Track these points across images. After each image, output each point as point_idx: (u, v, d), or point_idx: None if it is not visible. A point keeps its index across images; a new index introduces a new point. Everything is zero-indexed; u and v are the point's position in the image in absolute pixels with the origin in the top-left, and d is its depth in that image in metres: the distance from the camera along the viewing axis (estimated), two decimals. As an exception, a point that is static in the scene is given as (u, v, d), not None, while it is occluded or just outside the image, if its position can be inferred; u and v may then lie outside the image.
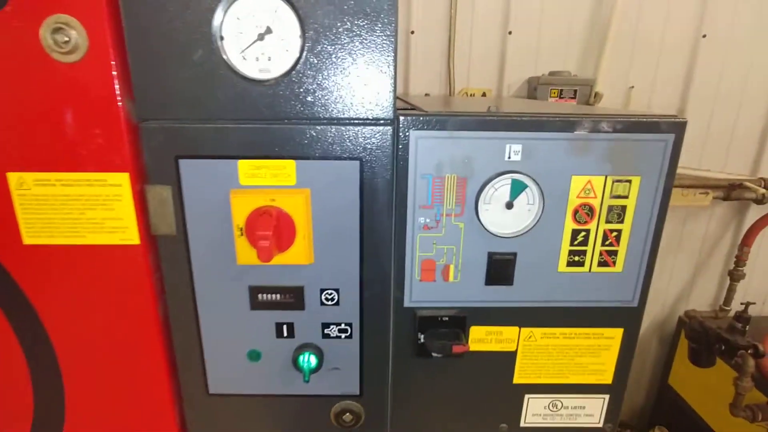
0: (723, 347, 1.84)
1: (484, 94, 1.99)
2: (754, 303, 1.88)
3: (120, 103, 0.54)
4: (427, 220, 0.59)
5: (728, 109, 2.05)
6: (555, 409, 0.69)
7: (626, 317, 0.64)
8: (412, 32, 1.85)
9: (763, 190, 1.96)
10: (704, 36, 1.94)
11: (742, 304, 1.86)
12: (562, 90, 1.90)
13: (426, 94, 1.77)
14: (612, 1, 1.85)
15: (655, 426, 2.25)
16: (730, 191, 2.02)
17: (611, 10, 1.85)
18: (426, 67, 1.89)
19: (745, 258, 1.94)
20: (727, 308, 2.00)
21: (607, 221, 0.60)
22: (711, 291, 2.29)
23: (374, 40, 0.52)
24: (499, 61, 1.98)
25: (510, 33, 1.94)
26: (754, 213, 2.05)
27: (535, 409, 0.69)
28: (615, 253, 0.61)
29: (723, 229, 2.22)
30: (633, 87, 2.03)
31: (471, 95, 1.97)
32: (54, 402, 0.66)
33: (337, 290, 0.62)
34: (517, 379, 0.67)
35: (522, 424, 0.70)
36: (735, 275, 1.97)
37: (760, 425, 1.70)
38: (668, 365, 2.33)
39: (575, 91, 1.90)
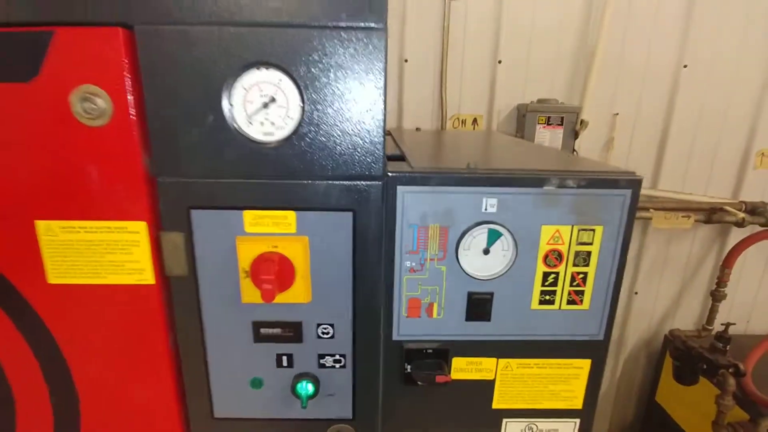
0: (705, 366, 1.91)
1: (475, 120, 2.06)
2: (734, 324, 1.95)
3: (139, 161, 0.61)
4: (413, 264, 0.66)
5: (710, 135, 2.13)
6: None
7: (593, 349, 0.71)
8: (406, 60, 1.94)
9: (742, 214, 2.03)
10: (685, 66, 2.02)
11: (722, 324, 1.93)
12: (549, 117, 1.97)
13: (417, 128, 1.84)
14: (597, 33, 1.94)
15: None
16: (711, 214, 2.09)
17: (596, 40, 1.93)
18: (419, 94, 1.97)
19: (726, 279, 2.01)
20: (709, 328, 2.06)
21: (574, 265, 0.67)
22: (696, 310, 2.35)
23: (366, 109, 0.60)
24: (489, 88, 2.06)
25: (500, 62, 2.02)
26: (736, 235, 2.12)
27: None
28: (582, 292, 0.68)
29: (706, 250, 2.29)
30: (618, 114, 2.10)
31: (462, 121, 2.04)
32: (70, 424, 0.73)
33: (332, 325, 0.69)
34: (496, 405, 0.74)
35: None
36: (717, 296, 2.04)
37: None
38: (655, 382, 2.38)
39: (562, 118, 1.97)
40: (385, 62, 0.58)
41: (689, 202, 2.14)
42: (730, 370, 1.81)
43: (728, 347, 1.90)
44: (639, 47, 2.03)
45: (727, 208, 2.08)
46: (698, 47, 2.01)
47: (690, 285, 2.36)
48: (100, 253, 0.64)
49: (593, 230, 0.65)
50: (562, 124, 1.99)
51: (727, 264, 2.00)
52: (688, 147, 2.16)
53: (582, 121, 2.00)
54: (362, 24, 0.56)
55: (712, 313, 2.06)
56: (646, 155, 2.20)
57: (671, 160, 2.18)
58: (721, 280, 2.01)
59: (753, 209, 2.08)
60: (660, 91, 2.11)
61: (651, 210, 2.10)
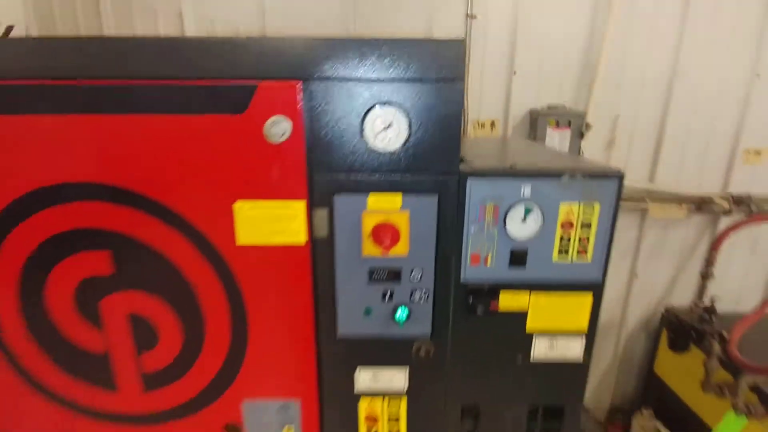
0: (695, 334, 2.29)
1: (492, 123, 2.45)
2: (720, 298, 2.32)
3: (303, 163, 1.01)
4: (475, 229, 1.07)
5: (701, 135, 2.48)
6: (552, 347, 1.16)
7: (593, 288, 1.12)
8: (434, 72, 2.31)
9: (727, 204, 2.42)
10: (678, 75, 2.39)
11: (709, 298, 2.32)
12: (558, 120, 2.34)
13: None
14: (600, 46, 2.31)
15: (642, 408, 2.68)
16: (701, 205, 2.47)
17: (599, 53, 2.30)
18: (445, 101, 2.34)
19: (714, 260, 2.36)
20: (700, 303, 2.43)
21: (581, 230, 1.07)
22: (690, 290, 2.69)
23: (449, 130, 1.00)
24: (505, 95, 2.44)
25: (515, 73, 2.40)
26: (724, 223, 2.48)
27: (540, 347, 1.16)
28: (586, 249, 1.09)
29: (699, 236, 2.65)
30: (619, 117, 2.48)
31: (481, 124, 2.43)
32: (241, 336, 1.13)
33: (421, 270, 1.09)
34: (529, 328, 1.15)
35: (532, 358, 1.17)
36: (706, 275, 2.39)
37: (726, 400, 2.11)
38: (654, 356, 2.74)
39: (569, 121, 2.33)
40: (462, 100, 0.98)
41: (682, 195, 2.52)
42: (716, 338, 2.19)
43: (714, 318, 2.29)
44: (637, 59, 2.39)
45: (715, 199, 2.47)
46: (690, 58, 2.37)
47: (685, 268, 2.72)
48: (272, 222, 1.04)
49: (593, 206, 1.05)
50: (569, 127, 2.35)
51: (714, 247, 2.35)
52: (681, 146, 2.51)
53: (587, 124, 2.37)
54: (450, 77, 0.97)
55: (703, 290, 2.43)
56: (644, 153, 2.56)
57: (667, 157, 2.54)
58: (709, 261, 2.38)
59: (739, 200, 2.45)
60: (656, 97, 2.45)
61: (648, 201, 2.49)
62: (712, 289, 2.43)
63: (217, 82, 0.96)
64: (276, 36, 0.89)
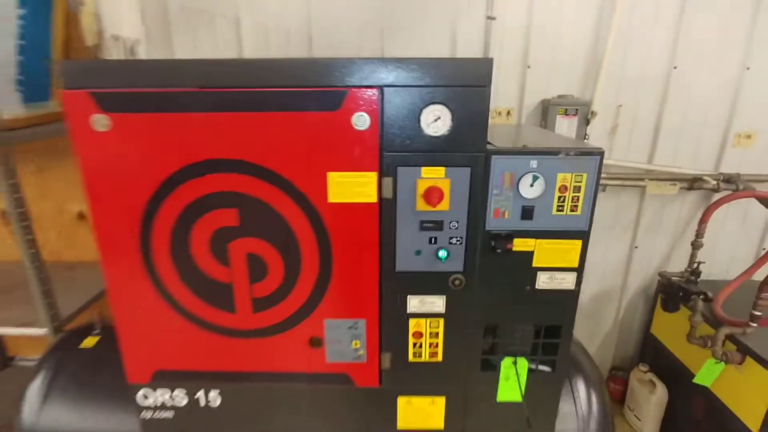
0: (682, 294, 2.79)
1: (508, 112, 2.93)
2: (704, 262, 2.82)
3: (377, 146, 1.53)
4: (497, 192, 1.59)
5: (696, 121, 2.95)
6: (551, 280, 1.68)
7: (582, 235, 1.63)
8: (458, 67, 2.78)
9: (715, 182, 2.90)
10: (675, 67, 2.86)
11: (695, 263, 2.81)
12: (567, 109, 2.81)
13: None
14: (605, 41, 2.77)
15: (639, 364, 3.18)
16: (693, 183, 2.95)
17: (604, 47, 2.77)
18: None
19: (703, 232, 2.81)
20: (689, 269, 2.93)
21: (573, 192, 1.59)
22: (684, 259, 3.14)
23: (479, 121, 1.51)
24: (519, 87, 2.91)
25: (528, 66, 2.88)
26: (715, 200, 2.94)
27: (542, 279, 1.68)
28: (577, 206, 1.60)
29: (693, 212, 3.12)
30: (621, 105, 2.95)
31: (498, 112, 2.92)
32: (326, 271, 1.66)
33: (457, 221, 1.61)
34: (534, 264, 1.66)
35: (536, 287, 1.69)
36: (696, 245, 2.87)
37: (708, 350, 2.61)
38: (650, 319, 3.25)
39: (577, 109, 2.81)
40: (488, 99, 1.50)
41: (677, 173, 2.99)
42: (701, 297, 2.69)
43: (698, 279, 2.79)
44: (638, 53, 2.86)
45: (705, 177, 2.95)
46: (686, 52, 2.82)
47: (680, 240, 3.20)
48: (353, 187, 1.57)
49: (582, 175, 1.57)
50: (576, 114, 2.83)
51: (703, 219, 2.81)
52: (678, 131, 2.98)
53: (592, 112, 2.85)
54: (482, 84, 1.48)
55: (692, 258, 2.92)
56: (644, 138, 3.03)
57: (664, 141, 3.01)
58: (699, 232, 2.85)
59: (729, 179, 2.92)
60: (655, 87, 2.92)
61: (646, 180, 2.98)
62: (707, 259, 2.90)
63: (319, 89, 1.47)
64: (361, 57, 1.41)
